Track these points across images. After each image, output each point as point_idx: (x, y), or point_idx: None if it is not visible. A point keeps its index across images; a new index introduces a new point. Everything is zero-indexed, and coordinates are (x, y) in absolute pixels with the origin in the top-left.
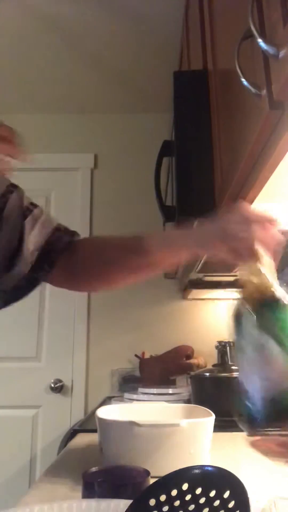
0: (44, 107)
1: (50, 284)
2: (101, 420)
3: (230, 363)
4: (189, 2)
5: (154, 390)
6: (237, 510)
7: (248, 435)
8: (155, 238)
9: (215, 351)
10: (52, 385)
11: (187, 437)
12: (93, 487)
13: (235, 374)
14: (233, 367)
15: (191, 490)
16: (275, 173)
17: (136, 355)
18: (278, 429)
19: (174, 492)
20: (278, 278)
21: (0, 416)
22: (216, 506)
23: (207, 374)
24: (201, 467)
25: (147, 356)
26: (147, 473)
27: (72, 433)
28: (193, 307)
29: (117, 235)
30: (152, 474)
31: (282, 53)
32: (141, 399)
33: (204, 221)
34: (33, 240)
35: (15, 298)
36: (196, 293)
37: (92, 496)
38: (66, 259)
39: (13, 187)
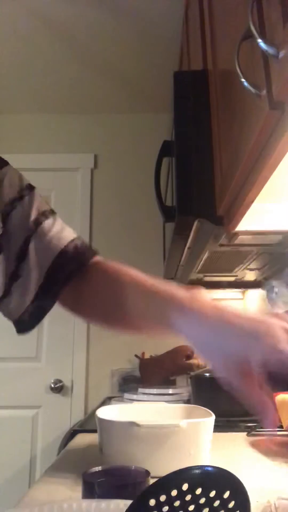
0: (44, 107)
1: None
2: (101, 420)
3: None
4: (189, 2)
5: (154, 391)
6: (237, 510)
7: (248, 435)
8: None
9: None
10: (52, 385)
11: (187, 437)
12: (93, 487)
13: None
14: None
15: (191, 490)
16: (275, 173)
17: (136, 355)
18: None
19: (174, 492)
20: (279, 279)
21: (0, 416)
22: (216, 507)
23: (207, 374)
24: (201, 467)
25: (147, 356)
26: (147, 473)
27: (72, 434)
28: None
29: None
30: (152, 474)
31: (282, 53)
32: (141, 399)
33: (231, 312)
34: (34, 267)
35: (22, 330)
36: None
37: (92, 496)
38: (75, 285)
39: (29, 189)
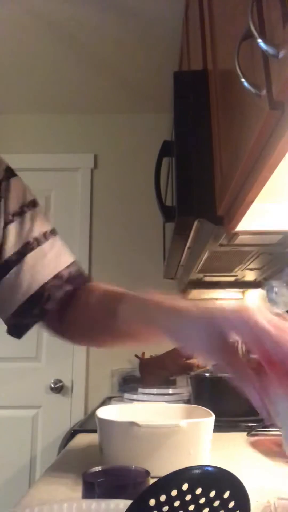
0: (44, 107)
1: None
2: (101, 420)
3: None
4: (189, 2)
5: (154, 390)
6: (237, 510)
7: (248, 435)
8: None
9: None
10: (52, 385)
11: (187, 437)
12: (93, 487)
13: None
14: None
15: (191, 490)
16: (275, 173)
17: (136, 355)
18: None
19: (174, 492)
20: (279, 279)
21: (0, 416)
22: (216, 507)
23: (207, 374)
24: (201, 467)
25: (147, 356)
26: (147, 473)
27: (72, 434)
28: None
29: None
30: (152, 474)
31: (282, 53)
32: (141, 400)
33: (201, 308)
34: (28, 279)
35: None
36: (196, 293)
37: (92, 496)
38: (64, 306)
39: (33, 206)
